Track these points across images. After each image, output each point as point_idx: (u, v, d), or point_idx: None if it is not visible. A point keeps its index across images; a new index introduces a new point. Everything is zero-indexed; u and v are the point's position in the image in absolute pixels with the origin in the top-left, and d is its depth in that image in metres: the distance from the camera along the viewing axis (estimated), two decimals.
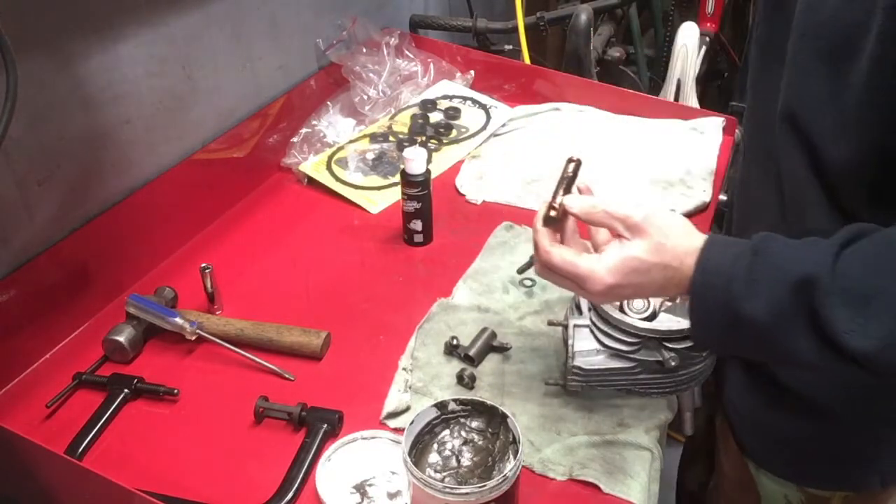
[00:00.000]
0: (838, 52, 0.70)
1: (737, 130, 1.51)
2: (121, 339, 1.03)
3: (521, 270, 1.15)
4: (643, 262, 0.74)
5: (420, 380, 1.01)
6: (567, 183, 0.81)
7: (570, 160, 0.83)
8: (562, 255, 0.77)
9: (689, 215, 1.29)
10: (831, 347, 0.66)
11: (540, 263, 0.80)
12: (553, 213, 0.79)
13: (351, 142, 1.48)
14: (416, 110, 1.57)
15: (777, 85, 0.80)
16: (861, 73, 0.68)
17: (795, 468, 0.95)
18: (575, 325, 0.94)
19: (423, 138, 1.50)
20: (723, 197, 1.36)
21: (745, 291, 0.69)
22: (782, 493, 0.97)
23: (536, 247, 0.80)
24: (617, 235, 0.78)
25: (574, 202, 0.79)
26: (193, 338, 1.05)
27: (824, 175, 0.76)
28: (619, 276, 0.75)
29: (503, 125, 1.55)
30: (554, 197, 0.80)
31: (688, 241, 0.74)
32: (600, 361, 0.93)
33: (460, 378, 1.00)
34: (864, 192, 0.75)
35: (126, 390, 0.99)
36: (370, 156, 1.45)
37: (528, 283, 1.16)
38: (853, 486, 0.93)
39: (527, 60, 1.82)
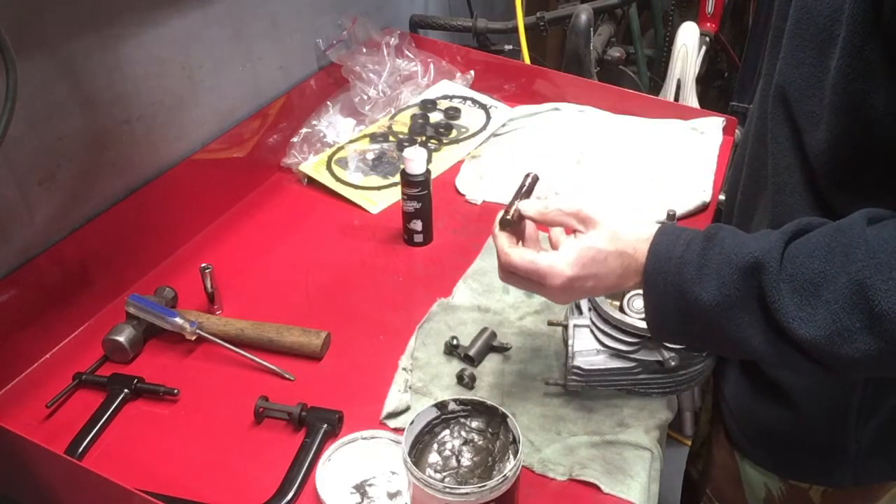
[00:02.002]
0: (821, 38, 0.72)
1: (737, 130, 1.51)
2: (121, 339, 1.03)
3: None
4: (600, 251, 0.76)
5: (420, 380, 1.01)
6: (523, 195, 0.84)
7: (527, 175, 0.85)
8: (521, 254, 0.79)
9: (690, 215, 1.30)
10: (780, 336, 0.67)
11: (501, 266, 0.81)
12: (508, 216, 0.81)
13: (351, 142, 1.48)
14: (416, 110, 1.57)
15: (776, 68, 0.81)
16: (836, 59, 0.69)
17: (775, 458, 0.95)
18: (575, 325, 0.95)
19: (423, 138, 1.50)
20: (723, 197, 1.35)
21: (697, 275, 0.70)
22: (763, 483, 0.97)
23: (497, 251, 0.81)
24: (572, 233, 0.79)
25: (528, 205, 0.82)
26: (193, 338, 1.05)
27: (805, 159, 0.77)
28: (577, 267, 0.76)
29: (503, 125, 1.55)
30: (510, 204, 0.83)
31: (641, 230, 0.76)
32: (600, 361, 0.93)
33: (460, 378, 1.00)
34: (838, 180, 0.75)
35: (126, 390, 0.99)
36: (370, 156, 1.45)
37: None
38: (827, 479, 0.93)
39: (527, 60, 1.82)
